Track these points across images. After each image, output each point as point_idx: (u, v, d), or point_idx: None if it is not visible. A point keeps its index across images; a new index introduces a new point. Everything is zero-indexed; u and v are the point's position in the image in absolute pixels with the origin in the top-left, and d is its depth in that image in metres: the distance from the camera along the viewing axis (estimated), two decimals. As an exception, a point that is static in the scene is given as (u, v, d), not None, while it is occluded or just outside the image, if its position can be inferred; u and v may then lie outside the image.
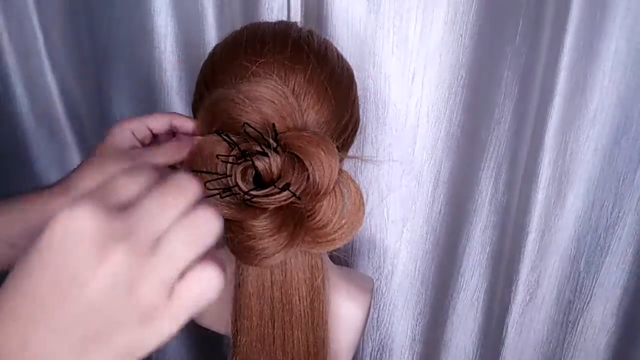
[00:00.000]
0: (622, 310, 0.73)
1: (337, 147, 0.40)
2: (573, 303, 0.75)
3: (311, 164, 0.39)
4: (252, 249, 0.40)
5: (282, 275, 0.44)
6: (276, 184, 0.38)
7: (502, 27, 0.60)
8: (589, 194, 0.67)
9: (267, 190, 0.38)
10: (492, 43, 0.61)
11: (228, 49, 0.44)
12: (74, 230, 0.22)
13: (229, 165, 0.39)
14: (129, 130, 0.41)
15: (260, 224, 0.40)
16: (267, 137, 0.38)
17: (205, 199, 0.25)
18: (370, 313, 0.77)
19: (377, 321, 0.78)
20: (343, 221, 0.41)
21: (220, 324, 0.51)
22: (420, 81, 0.63)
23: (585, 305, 0.76)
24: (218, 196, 0.39)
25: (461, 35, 0.60)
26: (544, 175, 0.66)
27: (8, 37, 0.67)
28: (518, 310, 0.75)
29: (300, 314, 0.45)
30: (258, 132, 0.38)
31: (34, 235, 0.39)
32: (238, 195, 0.39)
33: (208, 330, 0.55)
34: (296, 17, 0.62)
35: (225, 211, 0.39)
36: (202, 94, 0.43)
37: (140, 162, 0.26)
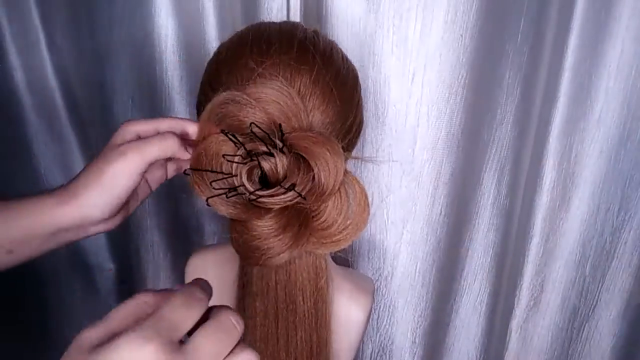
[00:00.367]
0: (628, 315, 0.73)
1: (342, 147, 0.40)
2: (578, 309, 0.75)
3: (317, 164, 0.39)
4: (257, 249, 0.41)
5: (286, 275, 0.45)
6: (282, 184, 0.39)
7: (503, 27, 0.60)
8: (594, 197, 0.67)
9: (272, 190, 0.39)
10: (493, 42, 0.61)
11: (234, 49, 0.45)
12: None
13: (234, 165, 0.40)
14: (136, 133, 0.42)
15: (266, 224, 0.40)
16: (274, 138, 0.38)
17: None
18: (371, 314, 0.77)
19: (377, 323, 0.78)
20: (348, 222, 0.42)
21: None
22: (421, 81, 0.63)
23: (591, 311, 0.75)
24: (224, 196, 0.39)
25: (461, 35, 0.60)
26: (548, 177, 0.65)
27: (10, 36, 0.68)
28: (522, 315, 0.75)
29: (304, 314, 0.46)
30: (264, 132, 0.38)
31: (34, 243, 0.40)
32: (244, 195, 0.40)
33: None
34: (295, 17, 0.62)
35: (231, 211, 0.41)
36: (207, 94, 0.44)
37: (192, 289, 0.29)
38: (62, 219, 0.39)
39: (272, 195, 0.39)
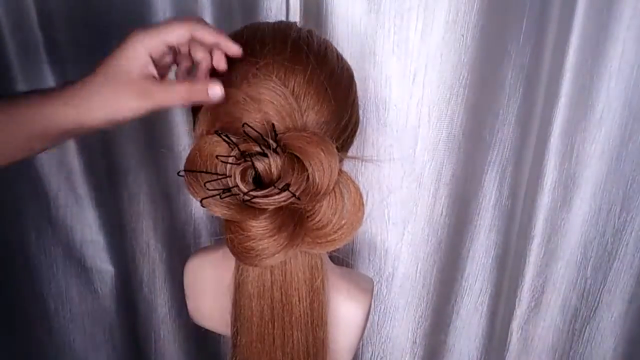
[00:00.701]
0: (629, 316, 0.72)
1: (337, 147, 0.41)
2: (579, 310, 0.75)
3: (311, 164, 0.39)
4: (252, 249, 0.41)
5: (282, 275, 0.45)
6: (276, 185, 0.39)
7: (504, 27, 0.60)
8: (596, 197, 0.67)
9: (266, 190, 0.39)
10: (495, 43, 0.61)
11: None
12: None
13: (228, 166, 0.40)
14: (144, 49, 0.40)
15: (260, 225, 0.40)
16: (267, 138, 0.38)
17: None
18: (371, 316, 0.77)
19: (378, 324, 0.78)
20: (343, 222, 0.41)
21: (220, 325, 0.51)
22: (422, 81, 0.63)
23: (592, 313, 0.75)
24: (218, 197, 0.38)
25: (463, 35, 0.60)
26: (549, 178, 0.65)
27: (8, 32, 0.68)
28: (523, 316, 0.75)
29: (300, 314, 0.46)
30: (258, 132, 0.38)
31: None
32: (238, 196, 0.40)
33: (208, 330, 0.55)
34: (295, 16, 0.62)
35: (225, 212, 0.41)
36: None
37: None
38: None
39: (266, 196, 0.38)
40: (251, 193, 0.38)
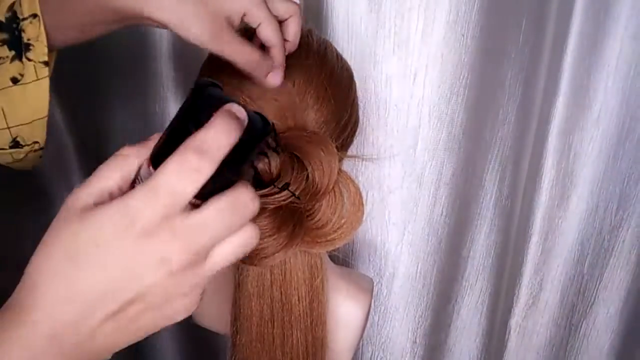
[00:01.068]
0: (625, 312, 0.73)
1: (337, 147, 0.40)
2: (576, 306, 0.75)
3: (310, 163, 0.39)
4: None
5: (281, 275, 0.44)
6: (275, 184, 0.38)
7: (504, 27, 0.60)
8: (593, 195, 0.67)
9: (266, 190, 0.38)
10: (495, 43, 0.61)
11: None
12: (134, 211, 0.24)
13: None
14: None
15: (260, 224, 0.40)
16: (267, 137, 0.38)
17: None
18: (371, 316, 0.77)
19: (378, 324, 0.78)
20: (342, 221, 0.41)
21: (219, 324, 0.51)
22: (422, 81, 0.63)
23: (589, 309, 0.75)
24: None
25: (463, 35, 0.60)
26: (547, 176, 0.65)
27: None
28: (521, 313, 0.75)
29: (300, 314, 0.45)
30: None
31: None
32: None
33: (207, 330, 0.55)
34: (295, 16, 0.62)
35: None
36: None
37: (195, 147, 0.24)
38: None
39: (265, 195, 0.38)
40: None
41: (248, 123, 0.26)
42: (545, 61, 0.61)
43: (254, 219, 0.39)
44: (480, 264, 0.73)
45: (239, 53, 0.37)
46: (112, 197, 0.26)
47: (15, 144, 0.39)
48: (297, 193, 0.38)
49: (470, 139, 0.66)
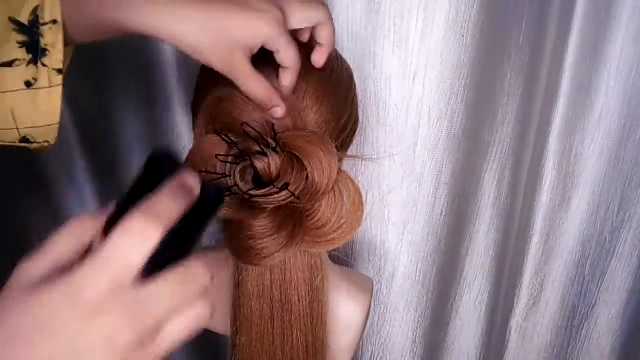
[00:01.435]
0: (627, 314, 0.73)
1: (337, 147, 0.40)
2: (578, 307, 0.75)
3: (310, 163, 0.39)
4: (251, 248, 0.40)
5: (281, 275, 0.44)
6: (275, 184, 0.38)
7: (504, 27, 0.60)
8: (594, 196, 0.67)
9: (266, 190, 0.39)
10: (495, 42, 0.61)
11: None
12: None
13: (228, 165, 0.39)
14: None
15: (260, 224, 0.40)
16: (266, 137, 0.38)
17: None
18: (371, 316, 0.77)
19: (378, 324, 0.78)
20: (342, 221, 0.41)
21: (219, 324, 0.51)
22: (422, 81, 0.63)
23: (590, 310, 0.75)
24: None
25: (463, 35, 0.60)
26: (548, 177, 0.65)
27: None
28: (522, 314, 0.75)
29: (300, 314, 0.45)
30: (257, 131, 0.38)
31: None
32: (237, 195, 0.39)
33: (207, 329, 0.55)
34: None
35: (225, 211, 0.40)
36: (201, 94, 0.43)
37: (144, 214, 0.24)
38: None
39: (265, 195, 0.38)
40: (250, 192, 0.38)
41: (201, 193, 0.26)
42: (546, 62, 0.61)
43: (255, 218, 0.39)
44: (479, 263, 0.73)
45: (248, 84, 0.37)
46: (63, 269, 0.24)
47: (24, 140, 0.39)
48: (296, 193, 0.38)
49: (470, 138, 0.66)
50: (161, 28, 0.35)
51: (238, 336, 0.46)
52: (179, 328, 0.25)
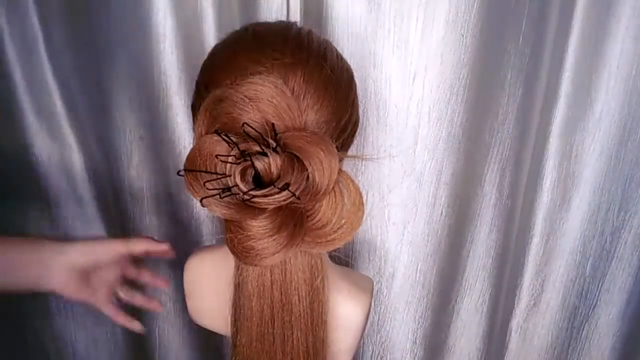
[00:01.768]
0: (627, 315, 0.73)
1: (337, 147, 0.40)
2: (578, 308, 0.75)
3: (310, 163, 0.39)
4: (251, 249, 0.40)
5: (281, 275, 0.44)
6: (275, 184, 0.38)
7: (504, 27, 0.60)
8: (595, 197, 0.67)
9: (266, 190, 0.39)
10: (495, 42, 0.61)
11: (228, 48, 0.44)
12: None
13: (228, 165, 0.39)
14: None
15: (260, 224, 0.40)
16: (267, 137, 0.38)
17: None
18: (371, 315, 0.77)
19: (378, 324, 0.78)
20: (343, 221, 0.41)
21: (220, 324, 0.51)
22: (422, 81, 0.63)
23: (591, 311, 0.75)
24: (218, 196, 0.38)
25: (463, 35, 0.60)
26: (548, 177, 0.65)
27: (9, 36, 0.68)
28: (522, 315, 0.75)
29: (300, 314, 0.45)
30: (257, 132, 0.38)
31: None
32: (237, 195, 0.39)
33: (208, 330, 0.55)
34: (295, 16, 0.62)
35: (225, 211, 0.40)
36: (201, 94, 0.43)
37: None
38: None
39: (265, 195, 0.38)
40: (251, 192, 0.38)
41: None
42: (547, 62, 0.61)
43: (255, 218, 0.40)
44: (480, 264, 0.73)
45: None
46: None
47: None
48: (297, 193, 0.38)
49: (470, 138, 0.66)
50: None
51: (238, 336, 0.47)
52: None
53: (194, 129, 0.43)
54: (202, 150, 0.40)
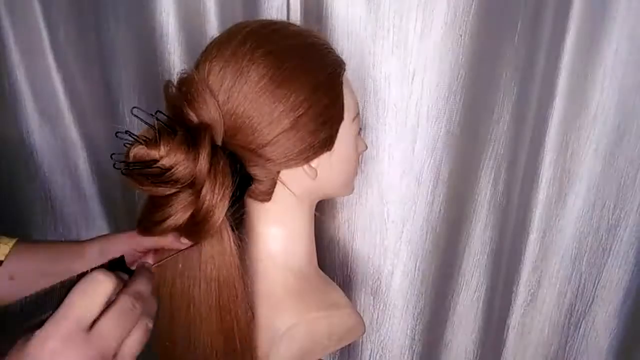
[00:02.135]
0: (624, 311, 0.73)
1: (264, 144, 0.44)
2: (575, 305, 0.75)
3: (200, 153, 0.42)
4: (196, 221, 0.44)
5: (196, 271, 0.47)
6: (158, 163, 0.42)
7: (501, 27, 0.61)
8: (590, 194, 0.68)
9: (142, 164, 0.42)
10: (492, 43, 0.61)
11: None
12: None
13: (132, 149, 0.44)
14: None
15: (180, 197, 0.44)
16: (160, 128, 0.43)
17: None
18: (370, 313, 0.77)
19: (377, 322, 0.78)
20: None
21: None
22: (420, 81, 0.64)
23: (587, 308, 0.75)
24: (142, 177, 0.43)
25: (460, 35, 0.61)
26: (544, 175, 0.66)
27: (13, 35, 0.68)
28: (519, 311, 0.75)
29: (211, 310, 0.47)
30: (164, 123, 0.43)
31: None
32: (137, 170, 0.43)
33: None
34: (295, 16, 0.63)
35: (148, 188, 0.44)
36: None
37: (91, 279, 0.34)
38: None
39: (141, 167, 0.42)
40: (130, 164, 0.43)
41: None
42: (542, 61, 0.62)
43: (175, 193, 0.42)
44: (476, 260, 0.74)
45: None
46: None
47: None
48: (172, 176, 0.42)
49: (468, 137, 0.67)
50: None
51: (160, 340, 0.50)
52: (132, 345, 0.33)
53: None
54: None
